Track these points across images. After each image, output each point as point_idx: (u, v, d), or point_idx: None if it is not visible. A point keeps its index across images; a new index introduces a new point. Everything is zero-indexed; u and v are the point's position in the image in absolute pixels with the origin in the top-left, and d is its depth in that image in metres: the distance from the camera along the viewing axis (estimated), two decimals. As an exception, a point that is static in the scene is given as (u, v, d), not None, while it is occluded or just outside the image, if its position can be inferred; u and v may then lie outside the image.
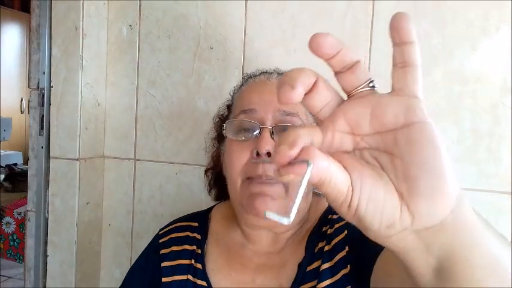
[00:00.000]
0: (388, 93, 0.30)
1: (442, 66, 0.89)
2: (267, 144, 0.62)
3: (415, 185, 0.28)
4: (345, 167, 0.30)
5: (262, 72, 0.75)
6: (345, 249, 0.63)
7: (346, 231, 0.64)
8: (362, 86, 0.31)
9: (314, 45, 0.30)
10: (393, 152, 0.29)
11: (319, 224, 0.69)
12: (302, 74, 0.30)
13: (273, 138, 0.64)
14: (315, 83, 0.30)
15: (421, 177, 0.28)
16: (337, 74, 0.31)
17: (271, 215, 0.28)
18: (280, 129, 0.64)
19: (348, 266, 0.62)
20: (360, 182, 0.29)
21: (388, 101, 0.30)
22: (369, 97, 0.30)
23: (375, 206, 0.29)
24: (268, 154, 0.63)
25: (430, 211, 0.29)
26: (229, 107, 0.77)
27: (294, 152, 0.28)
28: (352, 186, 0.29)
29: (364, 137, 0.31)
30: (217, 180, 0.81)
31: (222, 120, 0.77)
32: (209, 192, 0.84)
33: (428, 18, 0.89)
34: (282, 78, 0.30)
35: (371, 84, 0.31)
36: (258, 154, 0.63)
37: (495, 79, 0.86)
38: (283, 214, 0.28)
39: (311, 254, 0.66)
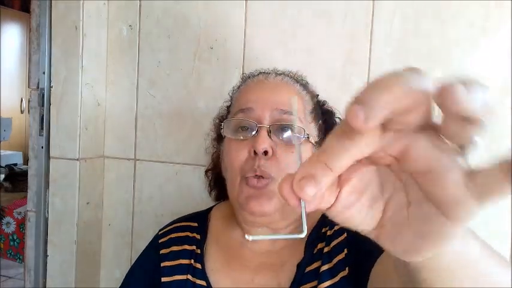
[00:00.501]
0: (470, 173, 0.24)
1: (442, 66, 0.89)
2: (264, 143, 0.62)
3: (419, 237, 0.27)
4: (341, 190, 0.28)
5: (261, 73, 0.75)
6: (343, 251, 0.63)
7: (345, 234, 0.64)
8: (454, 145, 0.25)
9: (449, 101, 0.22)
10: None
11: (318, 225, 0.69)
12: (389, 97, 0.23)
13: (270, 136, 0.64)
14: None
15: (426, 246, 0.26)
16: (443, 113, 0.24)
17: (285, 236, 0.29)
18: (278, 128, 0.65)
19: (347, 268, 0.62)
20: (342, 211, 0.28)
21: (459, 190, 0.24)
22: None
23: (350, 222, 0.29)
24: (265, 153, 0.63)
25: (411, 258, 0.28)
26: (228, 108, 0.77)
27: (310, 196, 0.26)
28: (334, 206, 0.28)
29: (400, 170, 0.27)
30: (217, 180, 0.81)
31: (221, 121, 0.77)
32: (210, 192, 0.84)
33: (428, 18, 0.89)
34: (362, 95, 0.23)
35: (463, 151, 0.25)
36: (255, 153, 0.63)
37: (495, 79, 0.86)
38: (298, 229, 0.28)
39: (310, 254, 0.66)
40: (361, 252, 0.58)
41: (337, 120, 0.79)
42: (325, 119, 0.75)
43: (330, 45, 0.94)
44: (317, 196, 0.26)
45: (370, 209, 0.28)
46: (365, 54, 0.92)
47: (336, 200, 0.28)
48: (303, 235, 0.27)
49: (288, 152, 0.64)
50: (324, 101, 0.80)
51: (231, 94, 0.78)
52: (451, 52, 0.88)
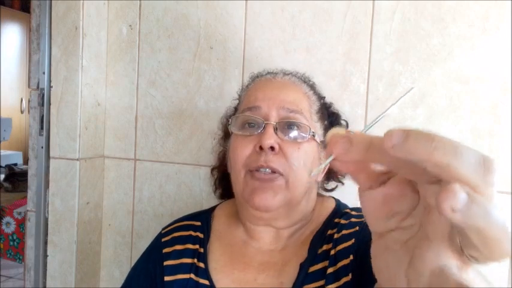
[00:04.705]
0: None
1: (442, 66, 0.89)
2: (271, 139, 0.63)
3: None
4: (377, 188, 0.30)
5: (269, 72, 0.76)
6: (349, 257, 0.63)
7: (354, 240, 0.64)
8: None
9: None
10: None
11: (324, 227, 0.69)
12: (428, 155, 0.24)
13: (276, 133, 0.64)
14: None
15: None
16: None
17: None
18: (284, 126, 0.65)
19: (350, 274, 0.61)
20: (365, 199, 0.30)
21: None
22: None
23: None
24: (272, 148, 0.63)
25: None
26: (236, 107, 0.78)
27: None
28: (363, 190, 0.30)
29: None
30: (222, 179, 0.82)
31: (228, 121, 0.78)
32: (214, 191, 0.84)
33: (428, 18, 0.89)
34: (414, 133, 0.24)
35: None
36: (261, 148, 0.63)
37: (495, 79, 0.86)
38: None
39: (314, 255, 0.66)
40: (369, 261, 0.58)
41: (343, 122, 0.81)
42: (331, 120, 0.77)
43: (330, 45, 0.94)
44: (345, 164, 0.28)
45: (386, 219, 0.29)
46: (365, 54, 0.92)
47: (370, 188, 0.29)
48: (311, 174, 0.30)
49: (295, 148, 0.64)
50: (330, 103, 0.81)
51: (239, 93, 0.79)
52: (451, 52, 0.88)
